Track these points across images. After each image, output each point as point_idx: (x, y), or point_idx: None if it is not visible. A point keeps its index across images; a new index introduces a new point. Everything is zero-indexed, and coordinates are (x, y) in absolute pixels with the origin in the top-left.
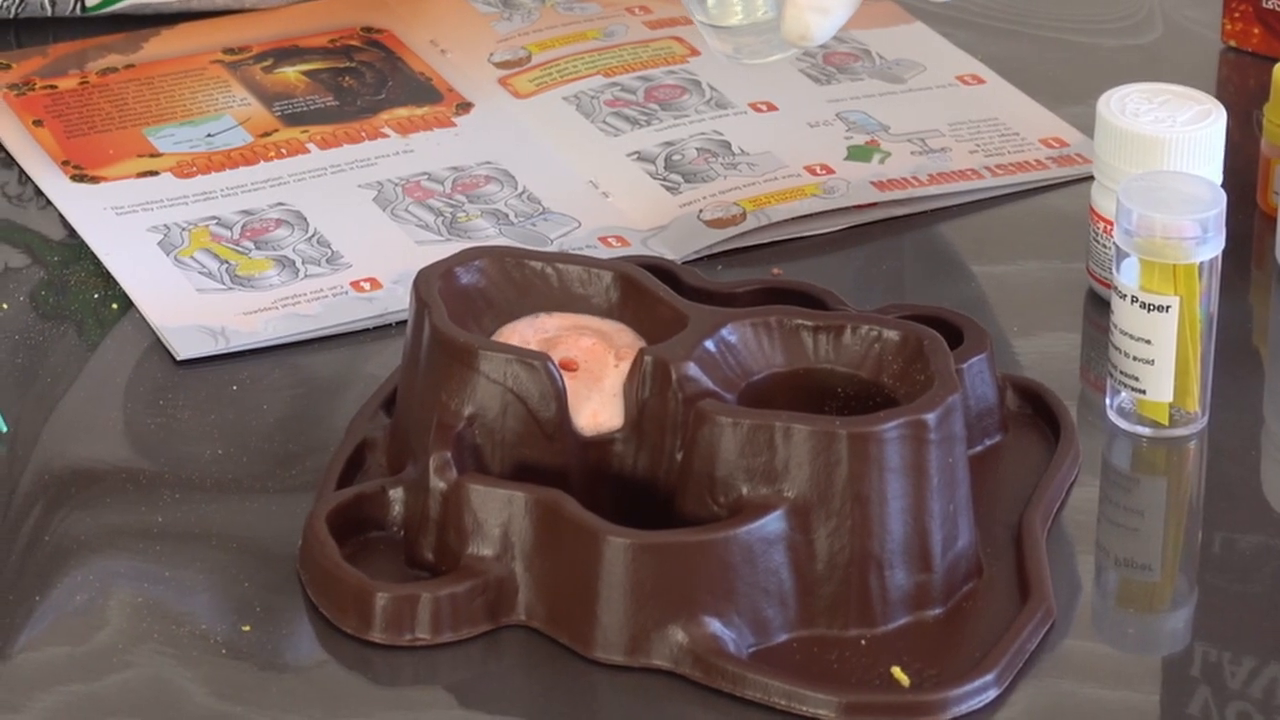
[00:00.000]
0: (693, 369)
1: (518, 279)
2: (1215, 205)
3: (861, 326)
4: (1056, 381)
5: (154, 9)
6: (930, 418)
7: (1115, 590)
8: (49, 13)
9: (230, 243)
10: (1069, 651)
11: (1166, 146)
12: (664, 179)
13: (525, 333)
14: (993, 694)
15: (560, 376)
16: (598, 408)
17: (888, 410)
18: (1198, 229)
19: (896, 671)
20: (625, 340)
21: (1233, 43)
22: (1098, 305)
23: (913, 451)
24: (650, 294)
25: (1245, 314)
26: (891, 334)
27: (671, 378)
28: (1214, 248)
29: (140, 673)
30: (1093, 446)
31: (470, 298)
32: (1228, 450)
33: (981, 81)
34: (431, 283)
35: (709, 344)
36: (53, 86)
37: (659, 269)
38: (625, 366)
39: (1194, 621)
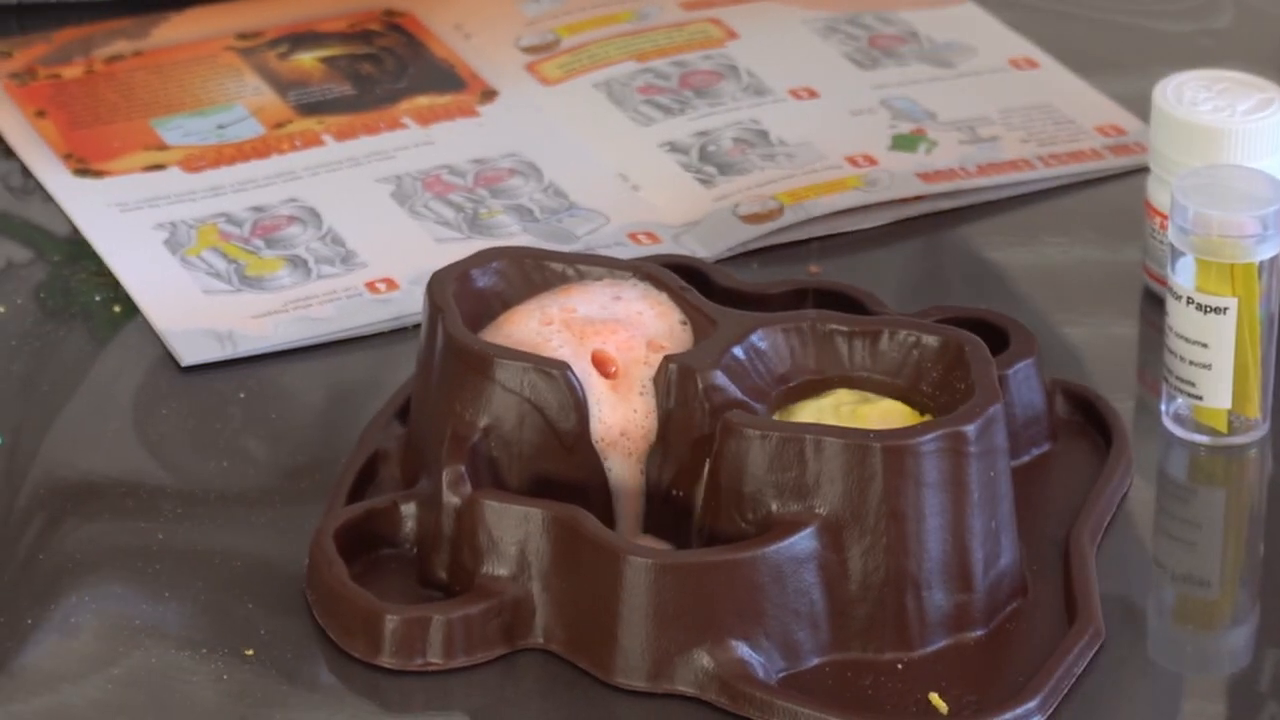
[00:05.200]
0: (720, 377)
1: (537, 281)
2: (1276, 201)
3: (899, 332)
4: (1111, 384)
5: None
6: (970, 429)
7: (1170, 608)
8: None
9: (240, 241)
10: (1119, 675)
11: (1225, 137)
12: (698, 171)
13: (550, 310)
14: None
15: (580, 386)
16: (628, 432)
17: (925, 422)
18: (1257, 226)
19: (934, 698)
20: (661, 328)
21: None
22: (1155, 304)
23: (952, 465)
24: (677, 297)
25: None
26: (930, 340)
27: (698, 387)
28: (1274, 246)
29: (137, 698)
30: (1147, 455)
31: (487, 301)
32: None
33: (1035, 65)
34: (446, 286)
35: (738, 350)
36: (56, 75)
37: (688, 269)
38: (657, 359)
39: (1255, 641)
